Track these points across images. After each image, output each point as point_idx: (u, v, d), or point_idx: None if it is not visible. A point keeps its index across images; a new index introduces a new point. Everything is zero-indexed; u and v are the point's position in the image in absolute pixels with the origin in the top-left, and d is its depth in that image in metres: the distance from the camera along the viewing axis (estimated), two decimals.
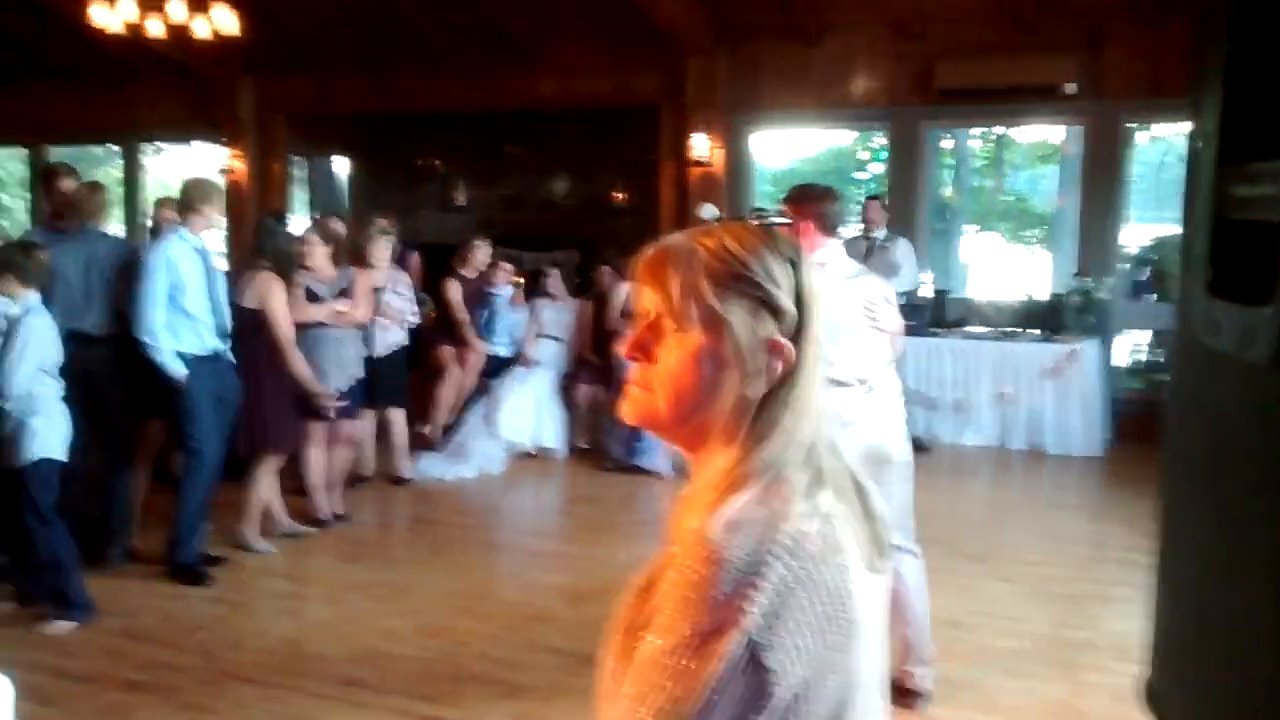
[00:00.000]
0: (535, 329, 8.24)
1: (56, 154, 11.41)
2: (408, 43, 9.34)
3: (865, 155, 17.65)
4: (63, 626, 4.62)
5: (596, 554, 5.81)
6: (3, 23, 9.11)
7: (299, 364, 5.65)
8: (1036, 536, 6.07)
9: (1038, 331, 8.44)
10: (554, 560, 5.79)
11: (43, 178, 6.02)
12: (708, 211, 8.20)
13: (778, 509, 1.05)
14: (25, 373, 4.49)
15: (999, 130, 15.84)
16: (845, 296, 3.58)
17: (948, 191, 15.02)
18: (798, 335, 1.13)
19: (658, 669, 1.02)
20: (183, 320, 5.21)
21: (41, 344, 4.56)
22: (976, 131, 15.49)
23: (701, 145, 9.08)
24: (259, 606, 5.09)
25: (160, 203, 6.58)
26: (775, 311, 1.12)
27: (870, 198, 8.60)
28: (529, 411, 7.85)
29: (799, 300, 1.13)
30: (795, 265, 1.14)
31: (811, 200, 3.73)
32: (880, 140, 14.48)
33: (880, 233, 8.10)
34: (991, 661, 4.30)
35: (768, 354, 1.12)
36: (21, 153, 11.55)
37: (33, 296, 4.61)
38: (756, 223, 1.16)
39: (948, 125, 10.77)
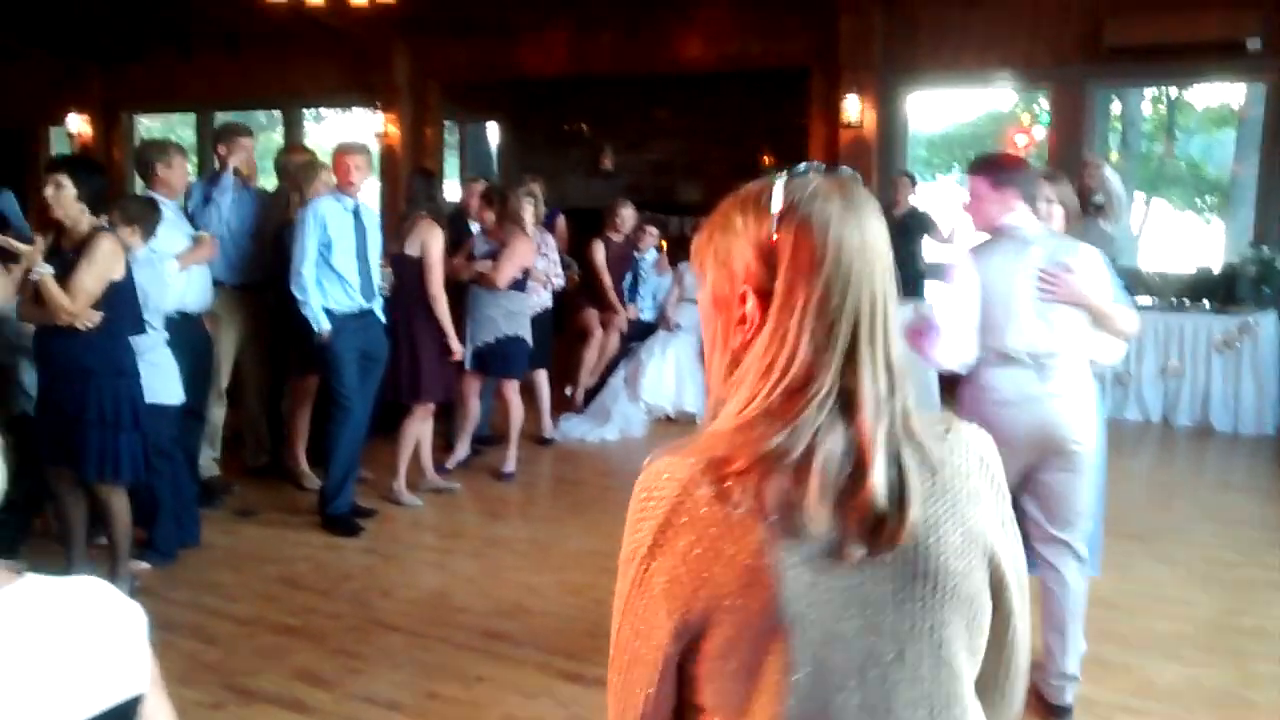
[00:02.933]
0: (678, 293, 8.21)
1: (222, 119, 11.91)
2: (558, 7, 9.37)
3: (1027, 119, 16.99)
4: (138, 567, 4.71)
5: None
6: None
7: (445, 311, 5.74)
8: (1202, 517, 5.75)
9: (1207, 303, 7.98)
10: None
11: (218, 137, 6.25)
12: None
13: (698, 452, 1.07)
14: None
15: (1172, 92, 15.01)
16: (1009, 266, 3.32)
17: (1114, 156, 14.34)
18: (770, 289, 1.10)
19: (618, 582, 1.13)
20: (332, 277, 5.37)
21: (149, 293, 4.65)
22: (1147, 93, 14.70)
23: (853, 108, 8.85)
24: (407, 558, 5.22)
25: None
26: (742, 265, 1.11)
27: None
28: (671, 376, 7.85)
29: (771, 255, 1.09)
30: (781, 220, 1.09)
31: (992, 168, 3.50)
32: (1043, 103, 13.89)
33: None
34: (1150, 644, 4.10)
35: (741, 306, 1.12)
36: (190, 117, 12.07)
37: (144, 249, 4.76)
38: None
39: (1117, 85, 10.25)
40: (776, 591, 1.02)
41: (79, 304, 4.15)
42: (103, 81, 11.50)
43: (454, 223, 6.55)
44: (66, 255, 4.18)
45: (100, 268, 4.19)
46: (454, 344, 5.77)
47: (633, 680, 1.10)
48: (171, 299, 5.06)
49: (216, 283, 5.71)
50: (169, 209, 5.35)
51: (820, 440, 1.05)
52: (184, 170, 5.60)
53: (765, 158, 11.73)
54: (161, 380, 4.71)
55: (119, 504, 4.42)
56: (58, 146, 11.68)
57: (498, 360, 6.24)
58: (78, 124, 11.44)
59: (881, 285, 1.10)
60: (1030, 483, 3.37)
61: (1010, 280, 3.32)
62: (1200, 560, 5.04)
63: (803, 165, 1.13)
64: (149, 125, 11.57)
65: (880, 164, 8.94)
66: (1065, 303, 3.33)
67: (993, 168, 3.50)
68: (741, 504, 1.03)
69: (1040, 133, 13.79)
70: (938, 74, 9.00)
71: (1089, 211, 7.01)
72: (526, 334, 6.33)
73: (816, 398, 1.06)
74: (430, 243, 5.64)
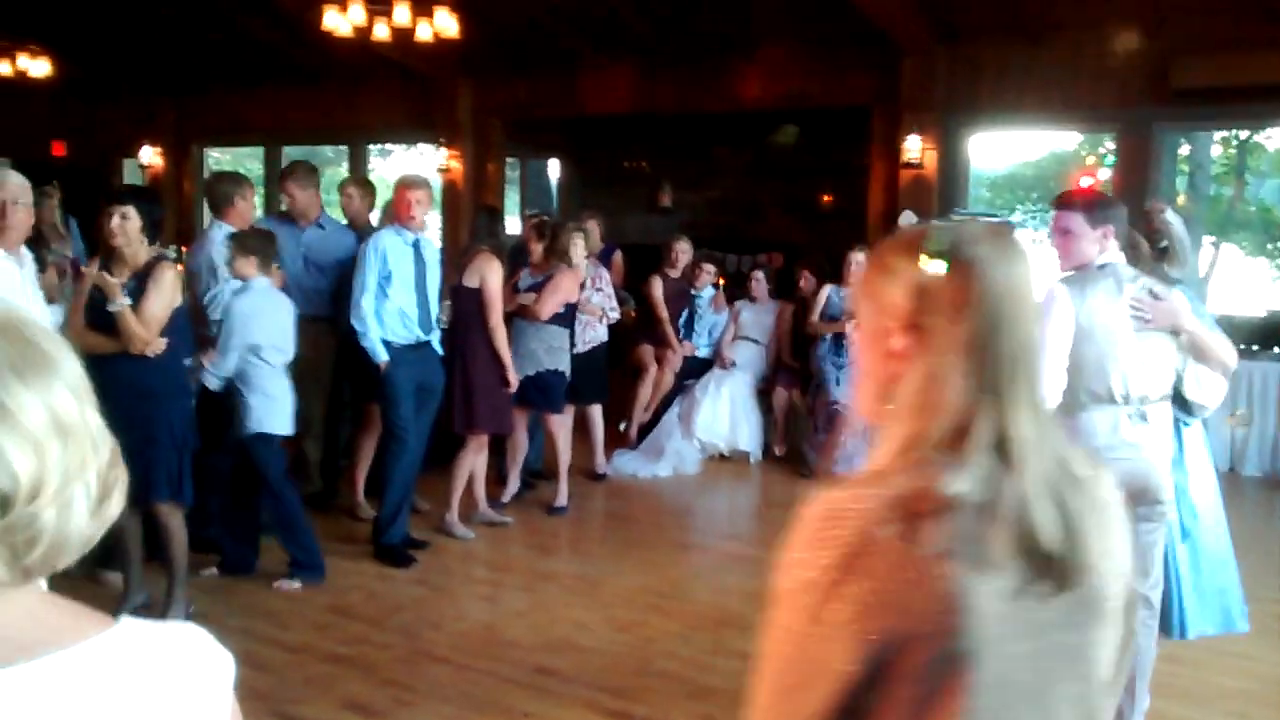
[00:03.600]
0: (734, 331, 8.20)
1: (290, 154, 12.15)
2: (620, 46, 9.47)
3: (1092, 160, 16.79)
4: (288, 585, 4.98)
5: None
6: (244, 28, 9.75)
7: (503, 343, 5.77)
8: (1271, 571, 5.58)
9: (1278, 349, 7.79)
10: (746, 564, 5.71)
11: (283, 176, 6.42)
12: (906, 219, 7.97)
13: (879, 487, 1.10)
14: (234, 352, 4.80)
15: (1242, 134, 14.75)
16: (1109, 303, 3.20)
17: (1182, 200, 14.10)
18: (917, 326, 1.16)
19: (780, 615, 1.12)
20: (391, 310, 5.44)
21: (250, 325, 4.82)
22: (1217, 135, 14.47)
23: (914, 147, 8.81)
24: (458, 590, 5.23)
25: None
26: (894, 303, 1.17)
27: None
28: (725, 413, 7.82)
29: (924, 296, 1.15)
30: (936, 262, 1.15)
31: (1089, 204, 3.39)
32: (1109, 144, 13.73)
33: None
34: (1214, 701, 3.98)
35: (891, 341, 1.18)
36: (258, 151, 12.35)
37: (259, 280, 4.91)
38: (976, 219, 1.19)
39: (1184, 128, 10.08)
40: (965, 623, 1.06)
41: (151, 332, 4.25)
42: (176, 115, 11.82)
43: (514, 257, 6.62)
44: (128, 285, 4.28)
45: (167, 296, 4.31)
46: (511, 375, 5.80)
47: (798, 708, 1.11)
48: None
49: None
50: None
51: (992, 481, 1.09)
52: (253, 203, 5.74)
53: (824, 197, 11.71)
54: (273, 411, 4.87)
55: (179, 525, 4.49)
56: (130, 178, 11.98)
57: (538, 393, 6.25)
58: (149, 156, 11.73)
59: (1031, 329, 1.17)
60: None
61: (1110, 318, 3.20)
62: (1270, 616, 4.89)
63: (957, 212, 1.23)
64: (218, 158, 11.83)
65: (941, 204, 8.88)
66: (1161, 328, 3.21)
67: (1090, 204, 3.38)
68: (928, 540, 1.06)
69: (1105, 174, 13.63)
70: (1000, 115, 8.94)
71: (1154, 256, 6.84)
72: (566, 368, 6.34)
73: (981, 438, 1.11)
74: (489, 276, 5.70)
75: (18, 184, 3.96)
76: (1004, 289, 1.14)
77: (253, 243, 4.98)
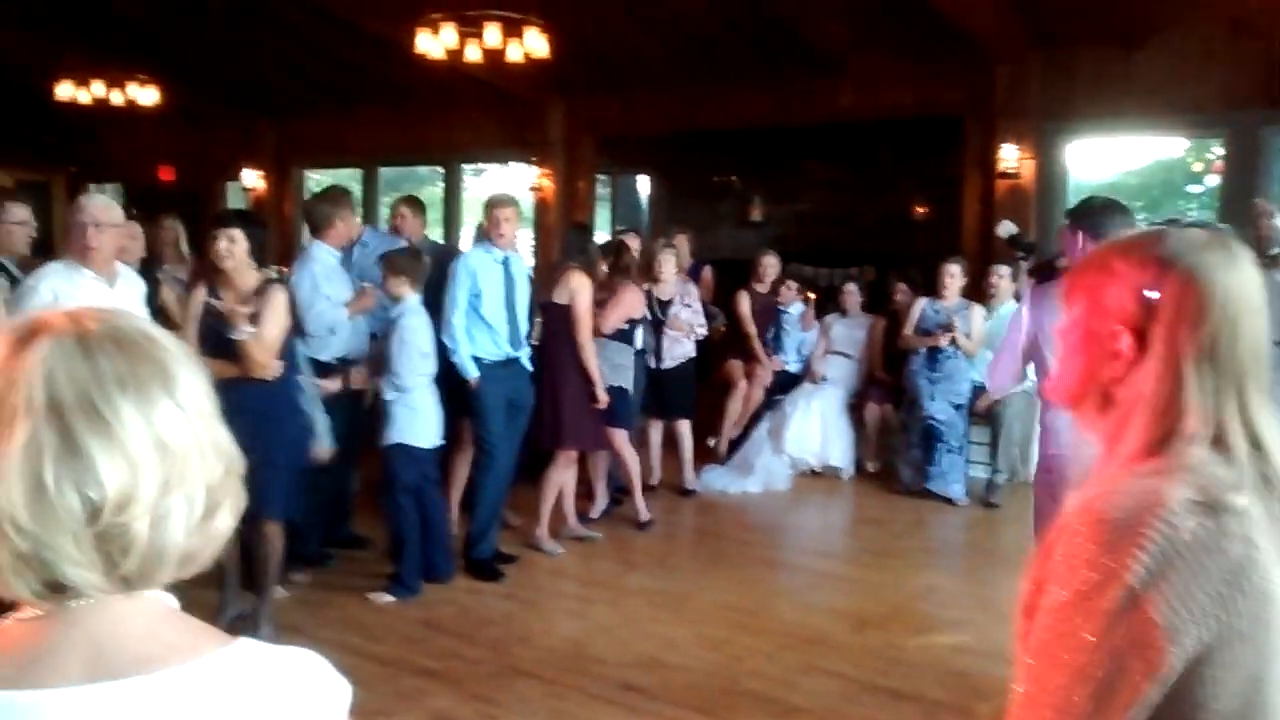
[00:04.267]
0: (825, 345, 8.11)
1: (386, 174, 12.40)
2: (710, 60, 9.46)
3: (1199, 167, 16.25)
4: (383, 599, 5.08)
5: (882, 579, 5.62)
6: (342, 52, 10.00)
7: (592, 359, 5.79)
8: None
9: None
10: (836, 582, 5.64)
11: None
12: (1004, 229, 7.79)
13: (1167, 484, 1.09)
14: (408, 366, 5.00)
15: None
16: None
17: None
18: (1145, 329, 1.18)
19: (1049, 628, 1.09)
20: (480, 326, 5.50)
21: (417, 340, 5.05)
22: None
23: (1010, 157, 8.62)
24: (546, 605, 5.25)
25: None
26: (1118, 305, 1.19)
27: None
28: (816, 429, 7.73)
29: (1151, 300, 1.18)
30: (1166, 267, 1.17)
31: (1082, 214, 3.56)
32: (1217, 150, 13.28)
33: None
34: None
35: (1113, 343, 1.20)
36: (357, 172, 12.63)
37: (413, 298, 5.13)
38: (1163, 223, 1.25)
39: None
40: (1276, 616, 1.09)
41: (270, 356, 4.37)
42: (276, 138, 12.15)
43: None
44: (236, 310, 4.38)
45: (282, 320, 4.42)
46: (600, 392, 5.82)
47: (1105, 708, 1.08)
48: (337, 345, 5.35)
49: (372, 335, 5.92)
50: (335, 259, 5.60)
51: (1260, 476, 1.13)
52: (353, 223, 5.87)
53: (917, 209, 11.55)
54: (416, 422, 5.05)
55: (279, 540, 4.59)
56: (232, 201, 12.36)
57: (603, 410, 6.23)
58: (252, 179, 12.08)
59: (1261, 329, 1.19)
60: None
61: None
62: None
63: (1184, 219, 1.24)
64: (318, 179, 12.12)
65: (1039, 214, 8.67)
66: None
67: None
68: (1235, 535, 1.08)
69: (1213, 180, 13.18)
70: (1099, 121, 8.70)
71: (1263, 263, 6.51)
72: (629, 384, 6.33)
73: (1238, 436, 1.14)
74: (578, 293, 5.73)
75: (100, 206, 4.10)
76: (1237, 292, 1.17)
77: (401, 262, 5.21)
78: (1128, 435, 1.19)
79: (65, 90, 9.33)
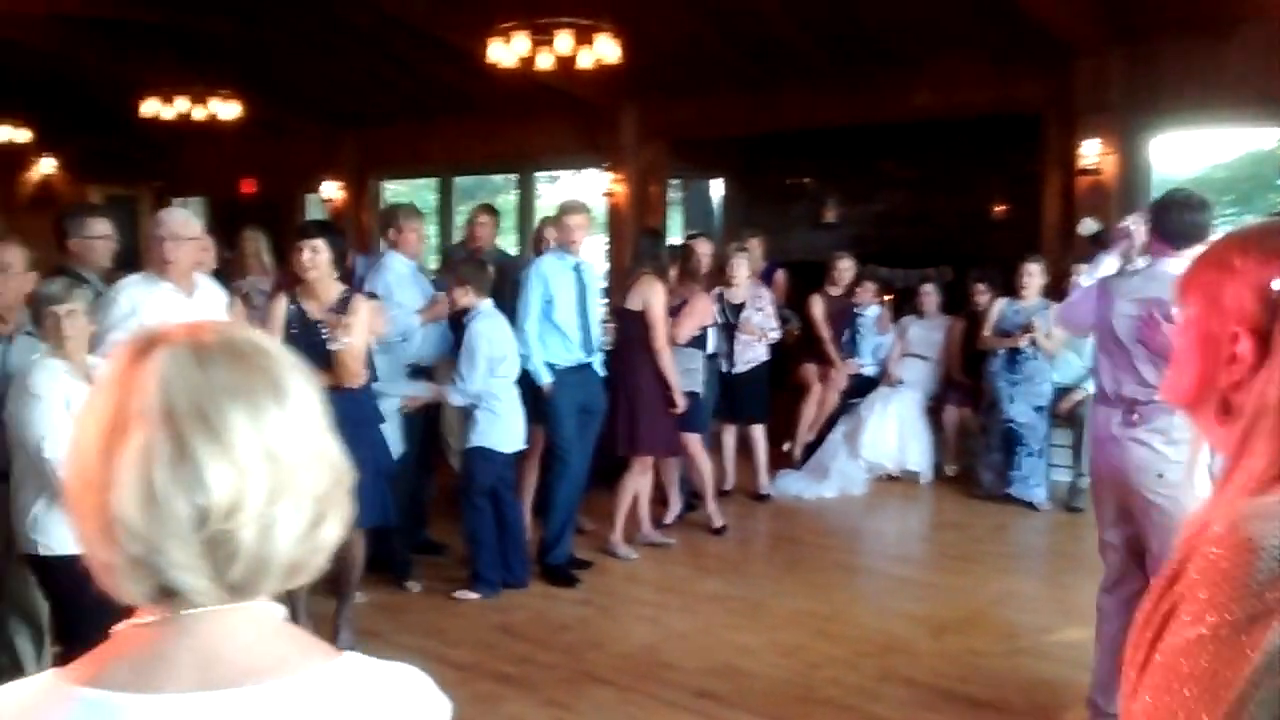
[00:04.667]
0: (901, 347, 8.00)
1: (460, 184, 12.53)
2: (784, 61, 9.39)
3: None
4: (466, 596, 5.20)
5: (962, 585, 5.52)
6: (417, 63, 10.14)
7: (669, 364, 5.78)
8: None
9: None
10: (915, 588, 5.55)
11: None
12: (1086, 227, 7.60)
13: None
14: (480, 372, 5.08)
15: None
16: None
17: None
18: (1267, 332, 1.08)
19: (1183, 664, 0.94)
20: (553, 332, 5.53)
21: (489, 345, 5.11)
22: None
23: (1091, 153, 8.41)
24: (621, 611, 5.25)
25: (542, 221, 7.10)
26: (1236, 305, 1.10)
27: None
28: (893, 432, 7.63)
29: (1274, 300, 1.07)
30: None
31: (1151, 208, 3.57)
32: None
33: None
34: None
35: (1231, 345, 1.10)
36: (432, 182, 12.79)
37: (484, 303, 5.22)
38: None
39: None
40: None
41: (361, 365, 4.45)
42: (355, 149, 12.35)
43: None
44: (315, 324, 4.45)
45: (366, 329, 4.49)
46: (678, 398, 5.80)
47: None
48: (411, 352, 5.43)
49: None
50: (409, 268, 5.68)
51: None
52: (424, 233, 5.96)
53: (995, 207, 11.33)
54: (496, 427, 5.14)
55: (361, 547, 4.65)
56: (312, 212, 12.59)
57: (677, 415, 6.19)
58: (331, 190, 12.30)
59: None
60: None
61: None
62: None
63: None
64: (395, 189, 12.30)
65: (1121, 211, 8.45)
66: None
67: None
68: None
69: None
70: (1185, 114, 8.46)
71: None
72: (699, 388, 6.31)
73: None
74: (651, 299, 5.73)
75: (179, 221, 4.20)
76: None
77: (465, 272, 5.31)
78: (1253, 448, 1.07)
79: (150, 107, 9.58)
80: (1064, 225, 8.50)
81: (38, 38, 9.67)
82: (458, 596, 5.20)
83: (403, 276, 5.63)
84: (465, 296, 5.22)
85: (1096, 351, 3.77)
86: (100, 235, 4.60)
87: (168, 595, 0.92)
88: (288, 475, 0.93)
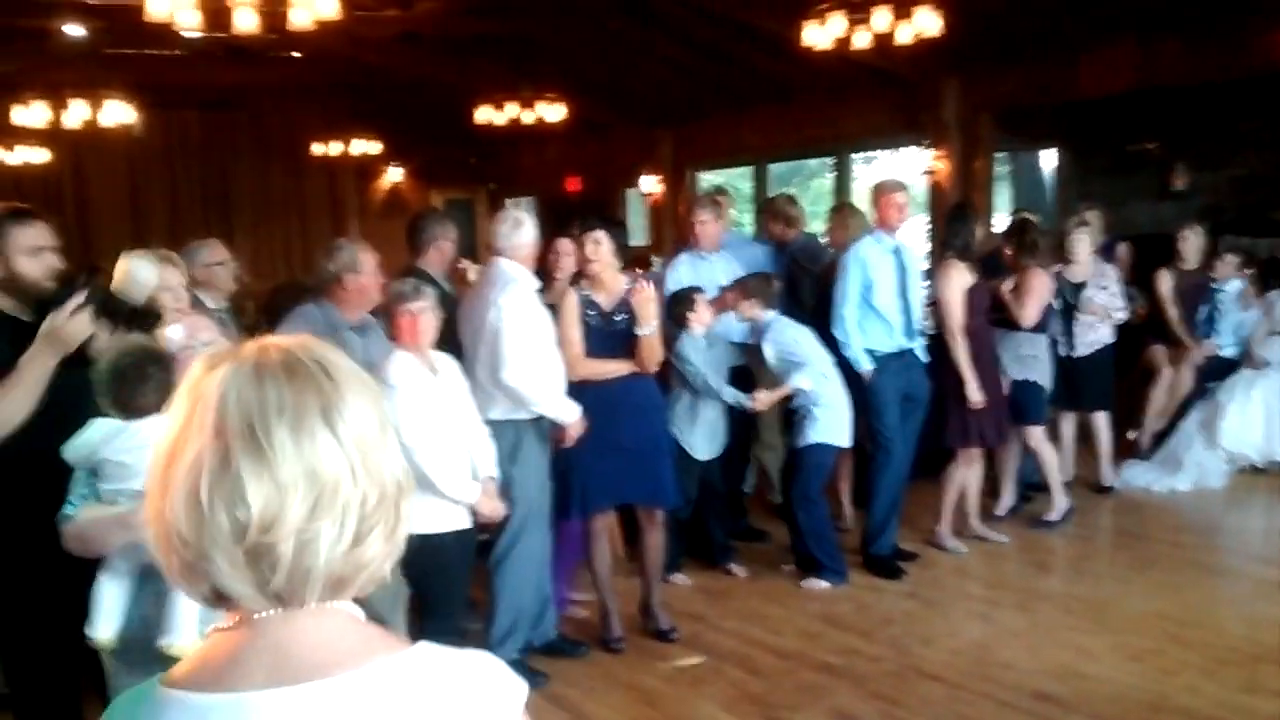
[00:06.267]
0: (1268, 325, 7.19)
1: (775, 170, 12.52)
2: (1119, 17, 8.70)
3: None
4: (816, 584, 5.21)
5: None
6: (730, 53, 10.21)
7: (961, 355, 5.48)
8: None
9: None
10: None
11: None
12: None
13: None
14: (802, 372, 5.08)
15: None
16: None
17: None
18: None
19: None
20: (873, 318, 5.37)
21: (804, 349, 5.14)
22: None
23: None
24: (950, 606, 5.06)
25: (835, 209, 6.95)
26: None
27: None
28: (1258, 419, 6.88)
29: None
30: None
31: None
32: None
33: None
34: None
35: None
36: (747, 170, 12.86)
37: (770, 314, 5.23)
38: None
39: None
40: None
41: (658, 352, 4.54)
42: (672, 142, 12.64)
43: (986, 262, 6.05)
44: (609, 314, 4.49)
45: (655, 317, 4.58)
46: (971, 390, 5.44)
47: None
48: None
49: None
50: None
51: None
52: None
53: None
54: (832, 421, 5.15)
55: (661, 530, 4.73)
56: (631, 206, 13.02)
57: (1011, 408, 5.82)
58: (650, 184, 12.64)
59: None
60: None
61: None
62: None
63: None
64: (709, 179, 12.46)
65: None
66: None
67: None
68: None
69: None
70: None
71: None
72: (1042, 379, 5.93)
73: None
74: (947, 284, 5.48)
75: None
76: None
77: (750, 285, 5.31)
78: None
79: (484, 114, 10.20)
80: None
81: (390, 59, 10.57)
82: (804, 586, 5.20)
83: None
84: (751, 310, 5.21)
85: None
86: (218, 262, 4.72)
87: (223, 598, 0.98)
88: (329, 494, 0.96)
